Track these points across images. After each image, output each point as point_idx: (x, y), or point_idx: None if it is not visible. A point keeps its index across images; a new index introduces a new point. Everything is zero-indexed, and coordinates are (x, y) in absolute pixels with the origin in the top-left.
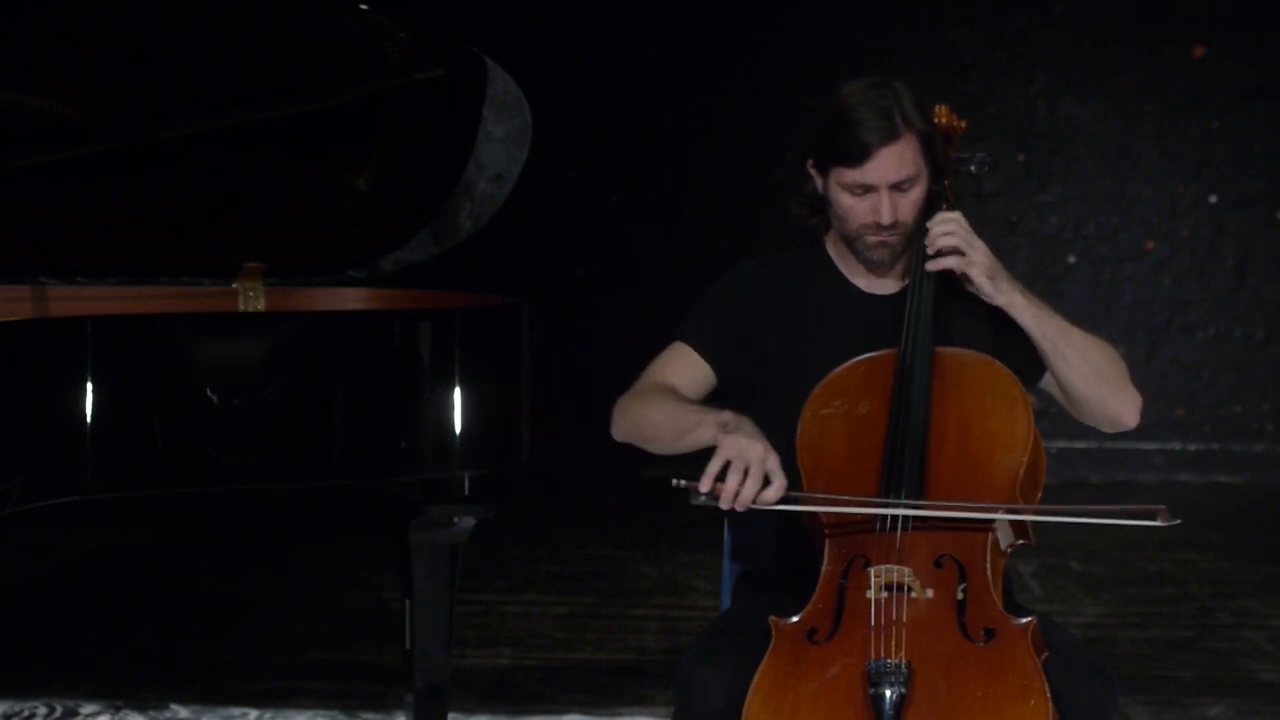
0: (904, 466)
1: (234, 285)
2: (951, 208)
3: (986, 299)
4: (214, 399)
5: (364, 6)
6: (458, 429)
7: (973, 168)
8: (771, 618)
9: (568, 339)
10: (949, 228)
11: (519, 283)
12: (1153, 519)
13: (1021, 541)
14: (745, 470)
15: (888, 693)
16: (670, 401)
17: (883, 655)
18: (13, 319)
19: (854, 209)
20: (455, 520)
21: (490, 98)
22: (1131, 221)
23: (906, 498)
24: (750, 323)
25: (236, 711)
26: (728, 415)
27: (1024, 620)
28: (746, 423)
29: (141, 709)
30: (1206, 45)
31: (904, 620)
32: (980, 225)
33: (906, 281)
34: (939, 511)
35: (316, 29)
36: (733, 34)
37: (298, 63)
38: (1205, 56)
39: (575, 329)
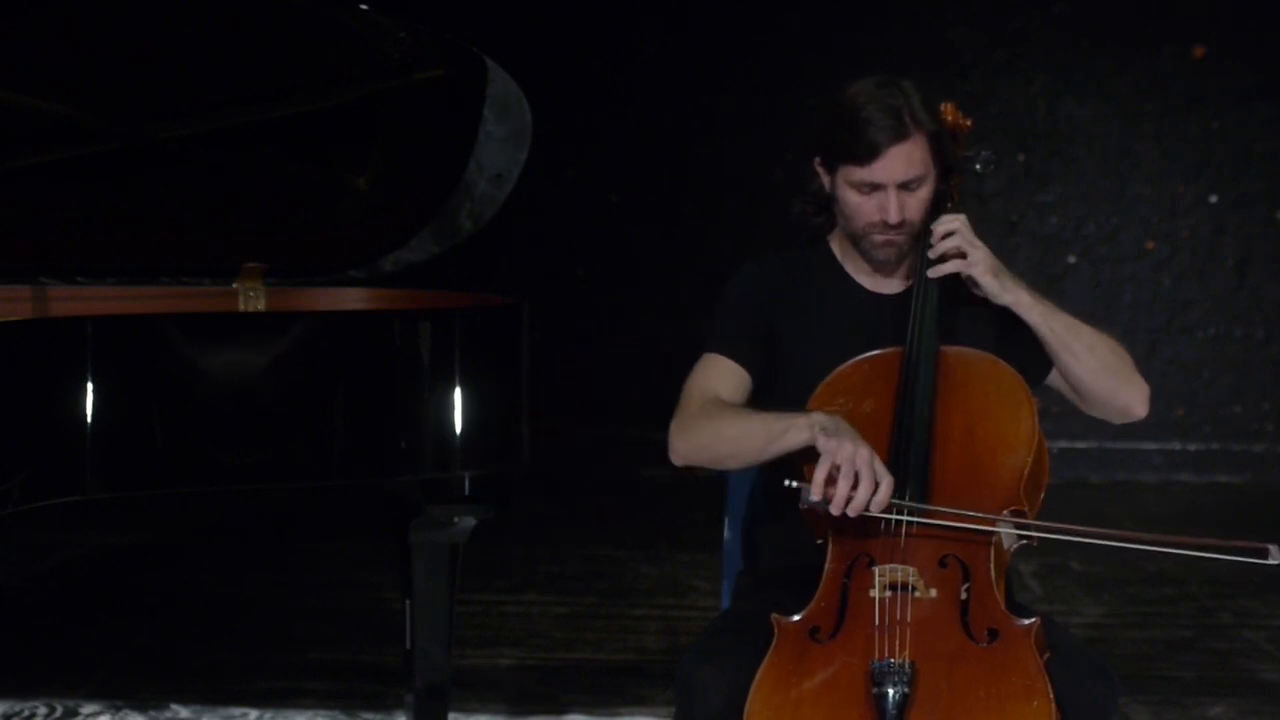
0: (908, 466)
1: (234, 285)
2: (956, 207)
3: (992, 299)
4: (214, 399)
5: (364, 6)
6: (458, 429)
7: (978, 166)
8: (774, 615)
9: (568, 339)
10: (951, 227)
11: (519, 283)
12: (1264, 557)
13: (1024, 542)
14: (856, 475)
15: (891, 692)
16: (741, 413)
17: (886, 655)
18: (13, 319)
19: (861, 207)
20: (455, 520)
21: (490, 98)
22: (1131, 221)
23: (911, 497)
24: (765, 321)
25: (237, 711)
26: (819, 416)
27: (1027, 621)
28: (843, 424)
29: (142, 709)
30: (1206, 45)
31: (907, 620)
32: (981, 225)
33: (911, 281)
34: (986, 525)
35: (316, 29)
36: (733, 34)
37: (298, 63)
38: (1205, 56)
39: (575, 329)
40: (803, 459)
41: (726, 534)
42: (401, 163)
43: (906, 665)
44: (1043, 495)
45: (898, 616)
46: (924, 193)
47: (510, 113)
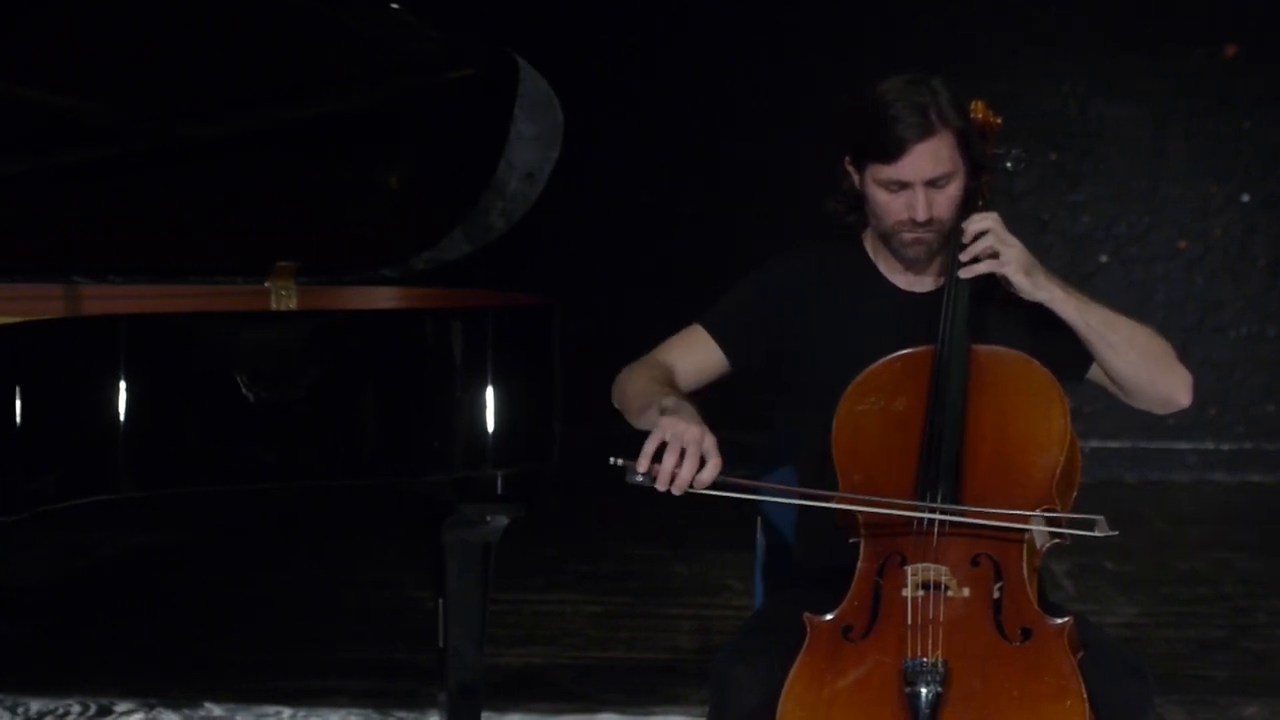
0: (939, 465)
1: (266, 284)
2: (987, 205)
3: (1026, 297)
4: (246, 398)
5: (395, 6)
6: (490, 428)
7: (1009, 164)
8: (806, 614)
9: (601, 338)
10: (984, 226)
11: (550, 282)
12: (1090, 529)
13: (1057, 541)
14: (682, 451)
15: (924, 691)
16: (646, 379)
17: (919, 654)
18: (45, 318)
19: (889, 205)
20: (488, 519)
21: (522, 97)
22: (1163, 221)
23: (942, 497)
24: (779, 318)
25: (270, 710)
26: (670, 400)
27: (1060, 620)
28: (687, 407)
29: (175, 707)
30: (1237, 45)
31: (940, 619)
32: (1012, 224)
33: (943, 279)
34: (872, 506)
35: (348, 28)
36: (765, 31)
37: (329, 61)
38: (1236, 56)
39: (608, 328)
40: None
41: (759, 533)
42: (433, 162)
43: (939, 664)
44: (1075, 494)
45: (930, 616)
46: (952, 190)
47: (541, 112)
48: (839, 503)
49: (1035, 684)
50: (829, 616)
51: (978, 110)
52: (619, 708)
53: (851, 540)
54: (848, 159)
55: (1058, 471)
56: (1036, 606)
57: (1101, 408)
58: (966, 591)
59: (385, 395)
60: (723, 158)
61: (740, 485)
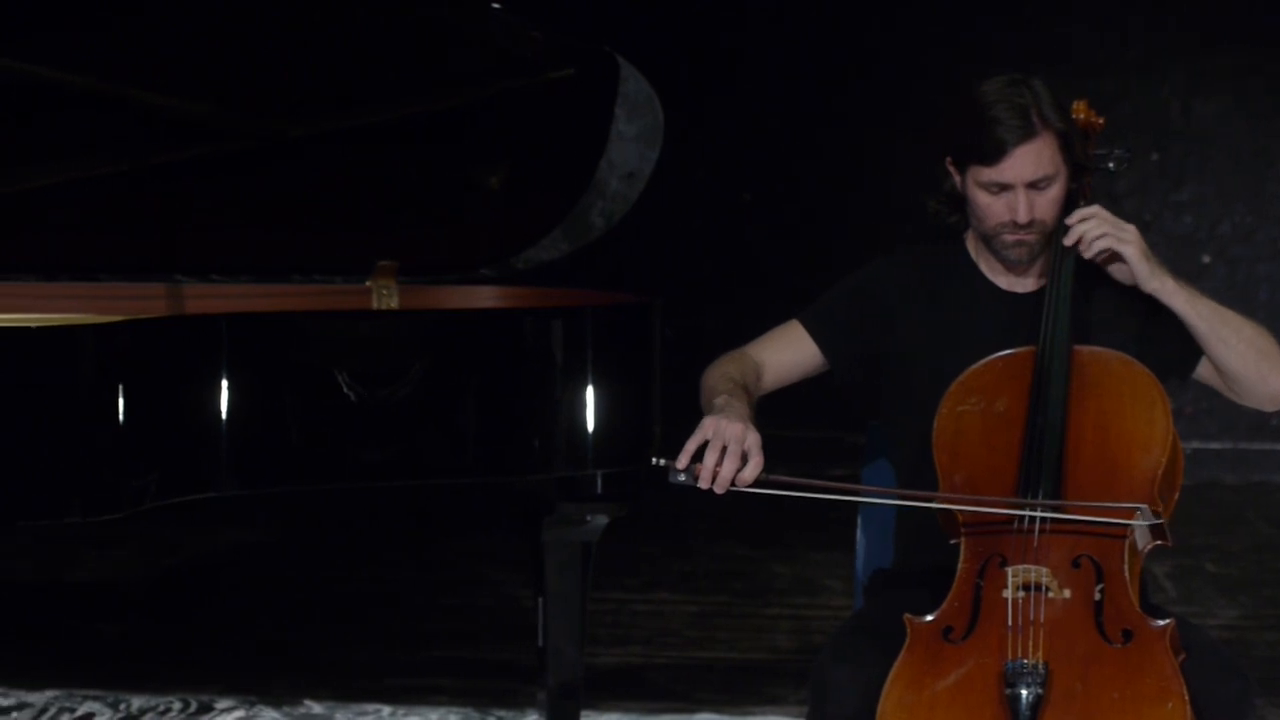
0: (1041, 466)
1: (368, 284)
2: (1088, 206)
3: (1141, 283)
4: (348, 397)
5: (496, 6)
6: (590, 427)
7: (1111, 164)
8: (906, 616)
9: (700, 337)
10: (1090, 212)
11: (649, 281)
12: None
13: (1159, 542)
14: (723, 449)
15: (1024, 693)
16: (719, 375)
17: (1019, 655)
18: (148, 317)
19: (991, 207)
20: (588, 518)
21: (622, 96)
22: (1267, 221)
23: (1044, 498)
24: (879, 318)
25: (369, 708)
26: (722, 398)
27: (1162, 622)
28: (736, 406)
29: (275, 705)
30: None
31: (1041, 620)
32: None
33: (1045, 280)
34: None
35: (449, 28)
36: (865, 31)
37: (430, 61)
38: None
39: (708, 327)
40: None
41: (860, 533)
42: (534, 161)
43: (1040, 666)
44: (1177, 496)
45: (1031, 617)
46: (1054, 192)
47: (642, 111)
48: (902, 499)
49: (1136, 686)
50: (929, 618)
51: (1079, 111)
52: (717, 708)
53: (952, 541)
54: (949, 160)
55: (1159, 473)
56: (1138, 608)
57: (1203, 409)
58: (1067, 593)
59: (486, 395)
60: (823, 157)
61: (785, 483)
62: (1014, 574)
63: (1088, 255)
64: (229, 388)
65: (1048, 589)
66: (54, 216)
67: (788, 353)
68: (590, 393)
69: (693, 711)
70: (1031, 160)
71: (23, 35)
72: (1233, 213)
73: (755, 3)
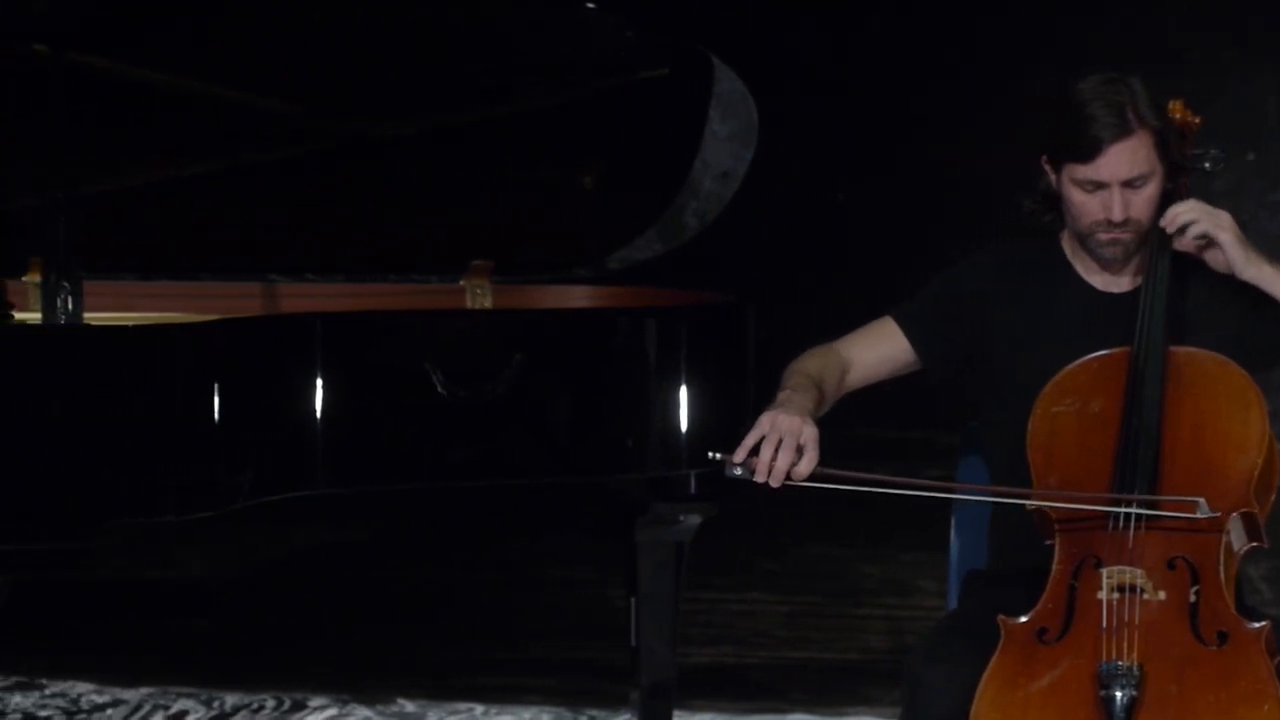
0: (1136, 467)
1: (462, 283)
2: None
3: (1237, 272)
4: (442, 396)
5: (590, 5)
6: (683, 427)
7: (1207, 164)
8: (1000, 617)
9: (792, 337)
10: (1185, 204)
11: (742, 281)
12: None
13: (1254, 544)
14: (779, 443)
15: (1118, 695)
16: (795, 370)
17: (1114, 657)
18: (243, 316)
19: (1086, 206)
20: (681, 518)
21: (716, 96)
22: None
23: (1139, 502)
24: (973, 316)
25: (462, 706)
26: (785, 393)
27: (1258, 624)
28: (797, 400)
29: (368, 703)
30: None
31: (1135, 622)
32: None
33: (1140, 279)
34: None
35: (543, 27)
36: (959, 28)
37: (525, 60)
38: None
39: (800, 327)
40: None
41: (953, 533)
42: (628, 161)
43: (1135, 668)
44: (1274, 497)
45: (1125, 618)
46: (1149, 191)
47: (736, 111)
48: (961, 493)
49: (1232, 688)
50: (1023, 619)
51: (1176, 110)
52: (810, 708)
53: (1047, 542)
54: (1045, 158)
55: (1256, 474)
56: (1234, 610)
57: None
58: (1162, 594)
59: (579, 394)
60: (918, 156)
61: (841, 476)
62: (1109, 575)
63: (1182, 242)
64: (323, 387)
65: (1142, 590)
66: (151, 216)
67: (878, 349)
68: (683, 392)
69: (785, 712)
70: (1126, 158)
71: (118, 35)
72: None
73: (846, 4)
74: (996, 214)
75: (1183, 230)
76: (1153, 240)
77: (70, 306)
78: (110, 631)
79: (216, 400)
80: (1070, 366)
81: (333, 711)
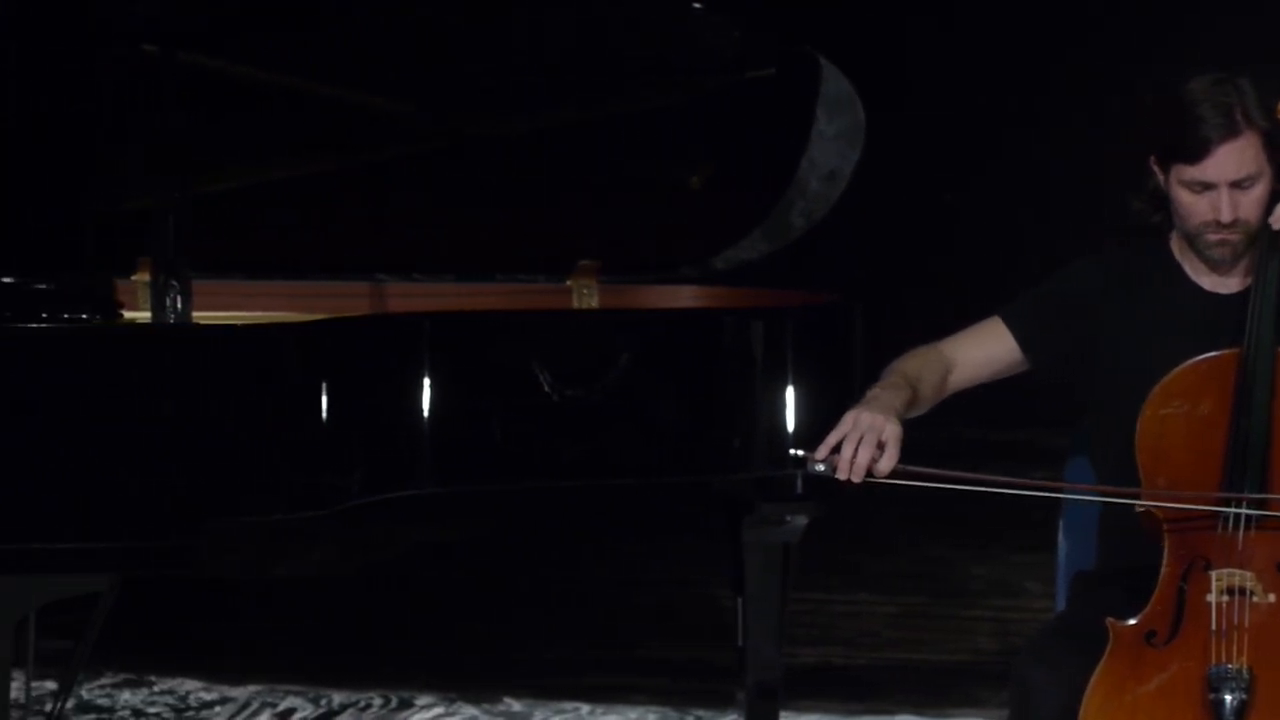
0: (1245, 468)
1: (568, 283)
2: None
3: None
4: (549, 396)
5: (697, 5)
6: (790, 427)
7: None
8: (1109, 619)
9: (903, 337)
10: None
11: (848, 281)
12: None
13: None
14: (860, 440)
15: (1228, 698)
16: (892, 369)
17: (1223, 660)
18: (351, 315)
19: (1194, 206)
20: (787, 519)
21: (823, 95)
22: None
23: (1248, 503)
24: (1081, 317)
25: (568, 706)
26: (873, 390)
27: None
28: (883, 399)
29: (474, 701)
30: None
31: (1245, 625)
32: None
33: (1250, 280)
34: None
35: (651, 27)
36: (1066, 28)
37: (632, 60)
38: None
39: (908, 328)
40: None
41: (1061, 535)
42: (734, 161)
43: (1244, 671)
44: None
45: (1235, 621)
46: (1258, 192)
47: (843, 111)
48: (1031, 489)
49: None
50: (1132, 621)
51: None
52: (917, 709)
53: (1155, 545)
54: (1153, 159)
55: None
56: None
57: None
58: (1272, 597)
59: (686, 394)
60: (1025, 157)
61: (923, 474)
62: (1218, 578)
63: None
64: (431, 387)
65: (1252, 593)
66: (258, 216)
67: (984, 348)
68: (789, 392)
69: (892, 713)
70: (1234, 159)
71: (227, 35)
72: None
73: (956, 4)
74: (1104, 214)
75: None
76: (1262, 241)
77: (179, 306)
78: (219, 630)
79: (325, 400)
80: (1179, 368)
81: (439, 710)
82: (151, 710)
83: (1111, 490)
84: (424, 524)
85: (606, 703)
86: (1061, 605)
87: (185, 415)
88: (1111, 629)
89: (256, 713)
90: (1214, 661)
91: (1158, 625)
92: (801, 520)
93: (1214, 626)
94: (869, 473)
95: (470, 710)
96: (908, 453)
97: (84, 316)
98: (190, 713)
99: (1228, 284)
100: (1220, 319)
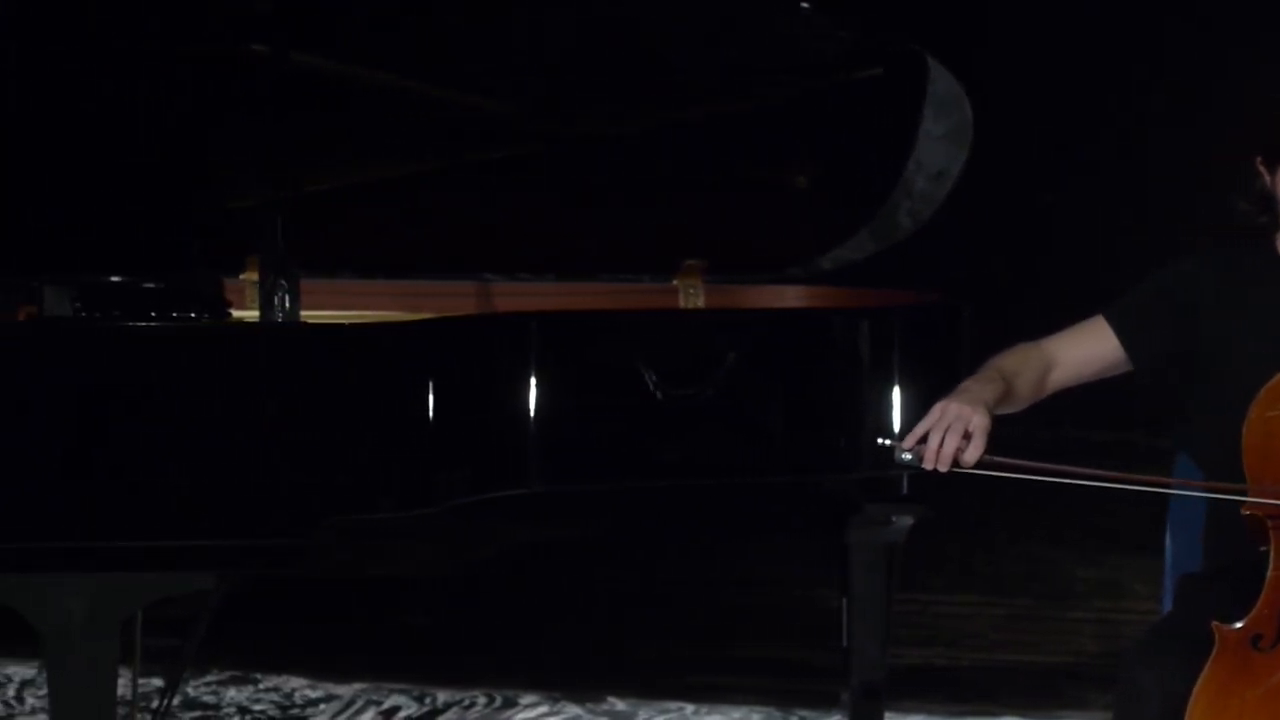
0: None
1: (674, 283)
2: None
3: None
4: (655, 396)
5: (805, 5)
6: (895, 428)
7: None
8: (1214, 623)
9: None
10: None
11: (953, 281)
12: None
13: None
14: (947, 430)
15: None
16: (988, 364)
17: None
18: (458, 314)
19: None
20: (893, 519)
21: (930, 95)
22: None
23: None
24: (1185, 317)
25: (672, 705)
26: (965, 383)
27: None
28: (973, 391)
29: (579, 700)
30: None
31: None
32: None
33: None
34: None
35: (758, 27)
36: (1166, 29)
37: (739, 59)
38: None
39: (1011, 328)
40: None
41: (1168, 537)
42: (841, 161)
43: None
44: None
45: None
46: None
47: (950, 111)
48: (1155, 486)
49: None
50: (1238, 625)
51: None
52: (1022, 710)
53: (1262, 548)
54: (1259, 159)
55: None
56: None
57: None
58: None
59: (792, 394)
60: (1126, 157)
61: (1009, 465)
62: None
63: None
64: (537, 386)
65: None
66: (366, 215)
67: (1086, 347)
68: (896, 392)
69: (996, 714)
70: None
71: (335, 36)
72: None
73: (1058, 5)
74: (1208, 215)
75: None
76: None
77: (287, 305)
78: (325, 628)
79: (432, 398)
80: None
81: (543, 709)
82: (257, 707)
83: (1201, 485)
84: (529, 523)
85: (710, 702)
86: (1168, 607)
87: (294, 413)
88: (1217, 632)
89: (361, 710)
90: None
91: (1264, 629)
92: (907, 521)
93: None
94: (955, 463)
95: (574, 709)
96: (1007, 450)
97: (193, 315)
98: (295, 710)
99: None
100: None
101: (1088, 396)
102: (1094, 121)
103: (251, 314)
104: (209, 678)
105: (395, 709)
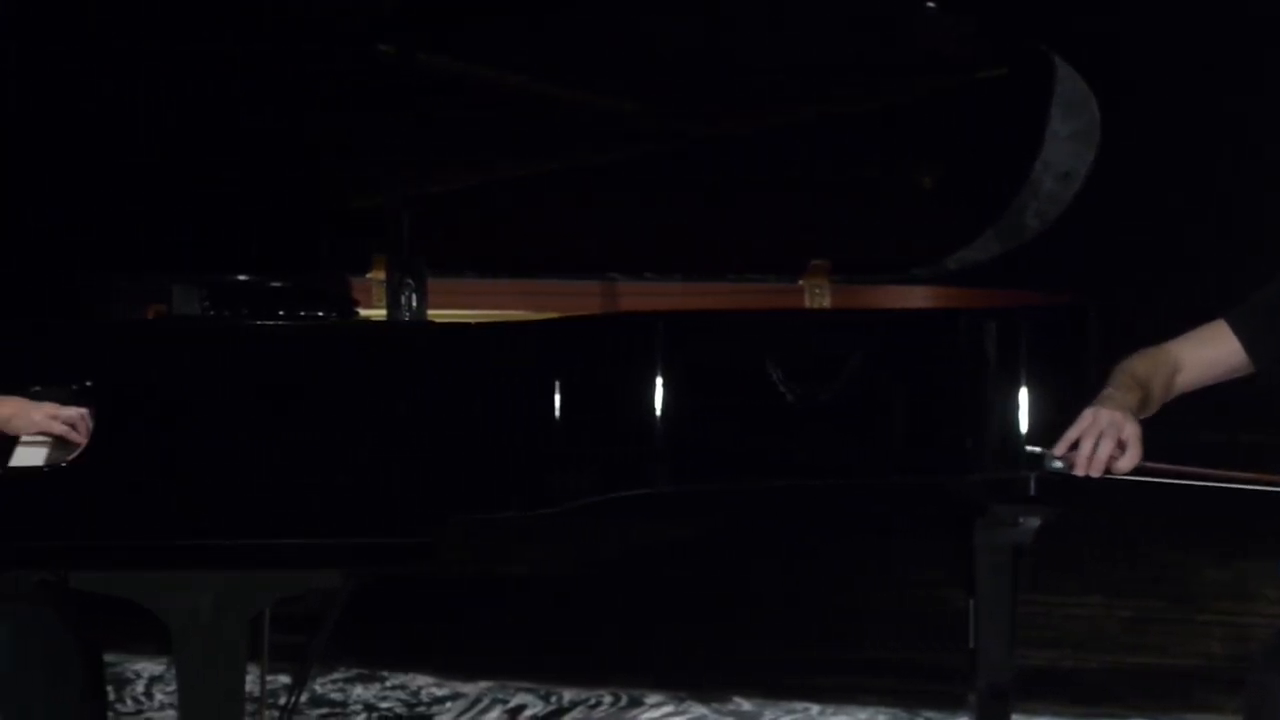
0: None
1: (800, 283)
2: None
3: None
4: (782, 396)
5: (931, 4)
6: (1023, 429)
7: None
8: None
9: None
10: None
11: (1079, 282)
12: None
13: None
14: (1100, 437)
15: None
16: (1121, 369)
17: None
18: (583, 314)
19: None
20: (1020, 520)
21: (1057, 95)
22: None
23: None
24: None
25: (798, 706)
26: (1108, 390)
27: None
28: (1118, 397)
29: (704, 700)
30: None
31: None
32: None
33: None
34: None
35: (883, 26)
36: None
37: (863, 59)
38: None
39: (1137, 330)
40: None
41: None
42: (967, 161)
43: None
44: None
45: None
46: None
47: (1078, 111)
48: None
49: None
50: None
51: None
52: (1149, 713)
53: None
54: None
55: None
56: None
57: None
58: None
59: (919, 395)
60: (1254, 158)
61: (1163, 470)
62: None
63: None
64: (664, 386)
65: None
66: (492, 214)
67: (1208, 350)
68: (1023, 393)
69: (1123, 716)
70: None
71: (461, 36)
72: None
73: (1189, 5)
74: None
75: None
76: None
77: (414, 304)
78: (452, 626)
79: (559, 398)
80: None
81: (669, 708)
82: (383, 705)
83: None
84: (655, 523)
85: (836, 703)
86: None
87: (421, 412)
88: None
89: (487, 709)
90: None
91: None
92: (1034, 522)
93: None
94: (1107, 470)
95: (700, 709)
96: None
97: (320, 314)
98: (421, 708)
99: None
100: None
101: (1218, 398)
102: (1222, 123)
103: (378, 313)
104: (336, 675)
105: (521, 707)
